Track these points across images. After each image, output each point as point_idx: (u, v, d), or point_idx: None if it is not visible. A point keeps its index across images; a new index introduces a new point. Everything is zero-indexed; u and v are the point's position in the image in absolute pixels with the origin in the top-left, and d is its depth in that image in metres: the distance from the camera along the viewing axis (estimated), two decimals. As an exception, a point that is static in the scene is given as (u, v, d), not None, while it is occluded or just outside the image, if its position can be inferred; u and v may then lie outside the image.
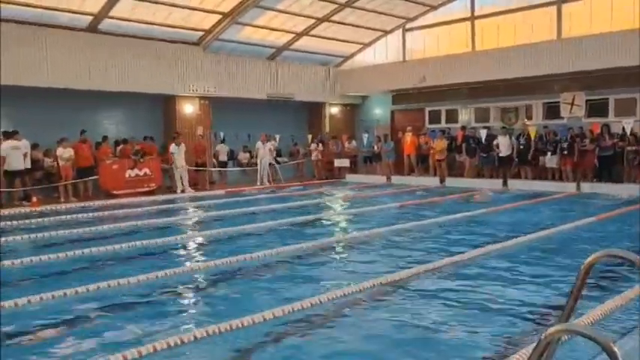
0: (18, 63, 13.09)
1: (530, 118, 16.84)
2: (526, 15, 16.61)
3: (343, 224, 9.96)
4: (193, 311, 5.10)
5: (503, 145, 15.62)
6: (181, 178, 15.13)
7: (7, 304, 4.89)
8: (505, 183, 15.32)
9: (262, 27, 17.14)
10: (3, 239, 8.30)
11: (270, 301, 4.98)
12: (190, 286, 5.88)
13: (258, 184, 16.76)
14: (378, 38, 19.88)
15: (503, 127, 16.54)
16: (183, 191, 14.98)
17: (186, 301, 5.43)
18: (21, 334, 4.39)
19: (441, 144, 16.81)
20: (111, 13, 14.12)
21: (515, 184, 15.02)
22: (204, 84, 16.72)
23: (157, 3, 14.34)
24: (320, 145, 19.08)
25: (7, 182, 12.40)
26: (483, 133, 16.14)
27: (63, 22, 13.94)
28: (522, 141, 15.40)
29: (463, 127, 17.24)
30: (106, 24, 14.49)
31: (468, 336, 4.22)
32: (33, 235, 8.64)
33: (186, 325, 4.52)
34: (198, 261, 7.06)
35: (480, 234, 8.38)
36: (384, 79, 19.17)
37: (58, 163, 13.48)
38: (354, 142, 19.83)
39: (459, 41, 18.16)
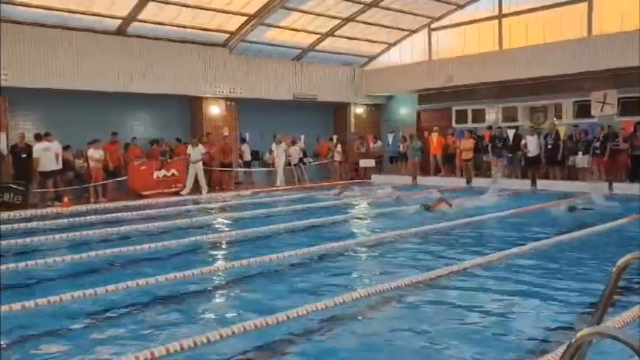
0: (49, 66, 13.41)
1: (559, 117, 16.53)
2: (555, 12, 16.30)
3: (367, 225, 9.92)
4: (219, 309, 5.13)
5: (532, 145, 15.37)
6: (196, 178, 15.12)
7: (44, 300, 5.00)
8: (534, 183, 15.06)
9: (288, 28, 17.21)
10: (36, 238, 8.52)
11: (300, 299, 5.02)
12: (218, 285, 5.94)
13: (278, 183, 16.78)
14: (403, 38, 19.77)
15: (532, 127, 16.27)
16: (201, 192, 15.01)
17: (213, 300, 5.48)
18: (54, 330, 4.48)
19: (467, 144, 16.62)
20: (139, 16, 14.36)
21: (544, 185, 14.75)
22: (230, 85, 16.87)
23: (183, 5, 14.52)
24: (338, 146, 19.05)
25: (40, 183, 12.71)
26: (510, 133, 15.91)
27: (92, 25, 14.22)
28: (551, 141, 15.12)
29: (490, 127, 17.02)
30: (134, 27, 14.74)
31: (495, 337, 4.16)
32: (64, 235, 8.83)
33: (213, 323, 4.56)
34: (225, 260, 7.11)
35: (510, 234, 8.27)
36: (409, 79, 19.05)
37: (88, 164, 13.77)
38: (379, 142, 19.76)
39: (486, 40, 17.93)
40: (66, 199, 12.61)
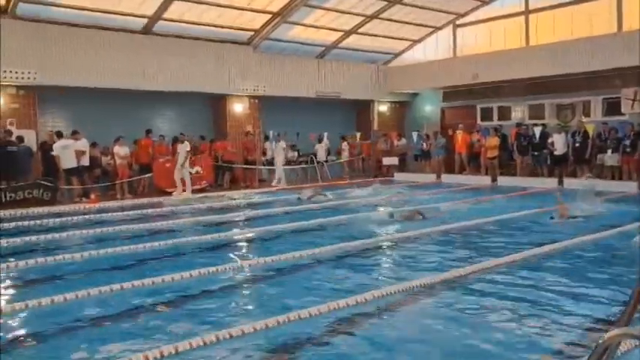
0: (77, 65, 13.65)
1: (587, 114, 16.19)
2: (584, 7, 15.96)
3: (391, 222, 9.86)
4: (242, 306, 5.15)
5: (559, 143, 15.09)
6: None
7: (72, 295, 5.11)
8: (561, 182, 14.79)
9: (311, 26, 17.21)
10: (65, 234, 8.69)
11: (328, 295, 5.04)
12: (241, 281, 5.98)
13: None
14: (428, 35, 19.59)
15: (559, 125, 15.97)
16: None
17: (236, 297, 5.51)
18: (82, 324, 4.57)
19: (492, 142, 16.40)
20: (164, 15, 14.53)
21: (572, 183, 14.46)
22: (253, 83, 16.94)
23: (208, 4, 14.64)
24: (344, 143, 19.05)
25: (65, 180, 12.94)
26: (537, 131, 15.64)
27: (119, 24, 14.43)
28: (579, 139, 14.82)
29: (516, 125, 16.75)
30: (159, 26, 14.91)
31: (522, 337, 4.10)
32: (92, 231, 8.99)
33: (234, 320, 4.58)
34: (248, 257, 7.15)
35: (539, 233, 8.13)
36: (434, 76, 18.88)
37: (114, 161, 13.99)
38: (403, 140, 19.63)
39: (512, 36, 17.67)
40: (93, 196, 12.83)
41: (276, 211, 11.12)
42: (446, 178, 17.19)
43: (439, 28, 19.29)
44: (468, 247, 7.47)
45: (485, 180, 16.20)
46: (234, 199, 13.23)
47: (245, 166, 16.38)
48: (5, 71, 12.75)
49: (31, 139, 13.29)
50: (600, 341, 1.89)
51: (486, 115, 18.58)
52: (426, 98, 20.62)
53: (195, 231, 9.01)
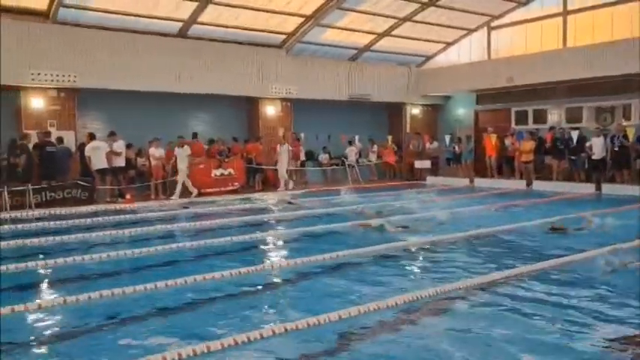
0: (115, 68, 13.98)
1: (627, 118, 15.72)
2: (624, 8, 15.54)
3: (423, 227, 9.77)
4: (269, 308, 5.17)
5: (597, 147, 14.68)
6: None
7: (107, 292, 5.26)
8: (598, 187, 14.40)
9: (344, 28, 17.23)
10: (100, 233, 8.91)
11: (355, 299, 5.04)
12: (269, 283, 6.02)
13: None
14: (462, 37, 19.39)
15: (597, 128, 15.56)
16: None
17: (265, 298, 5.54)
18: (117, 321, 4.68)
19: (527, 145, 16.08)
20: (199, 19, 14.76)
21: (610, 189, 14.08)
22: (286, 86, 17.04)
23: (242, 8, 14.81)
24: (374, 146, 18.95)
25: (99, 180, 13.24)
26: (574, 134, 15.28)
27: (155, 28, 14.72)
28: (618, 143, 14.40)
29: (552, 128, 16.39)
30: (194, 29, 15.15)
31: (554, 347, 4.01)
32: (127, 231, 9.19)
33: (264, 321, 4.61)
34: (277, 259, 7.18)
35: (576, 239, 7.94)
36: (467, 79, 18.65)
37: (150, 162, 14.26)
38: (435, 143, 19.45)
39: (549, 38, 17.32)
40: (128, 196, 13.10)
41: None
42: (479, 182, 16.93)
43: (473, 30, 19.06)
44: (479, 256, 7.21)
45: (519, 184, 15.90)
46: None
47: (276, 167, 16.44)
48: (47, 74, 13.15)
49: (70, 140, 13.68)
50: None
51: (521, 118, 18.24)
52: (459, 101, 20.38)
53: (226, 232, 9.09)
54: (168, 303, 5.15)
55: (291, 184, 16.02)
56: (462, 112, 20.30)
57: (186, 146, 13.99)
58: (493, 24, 18.73)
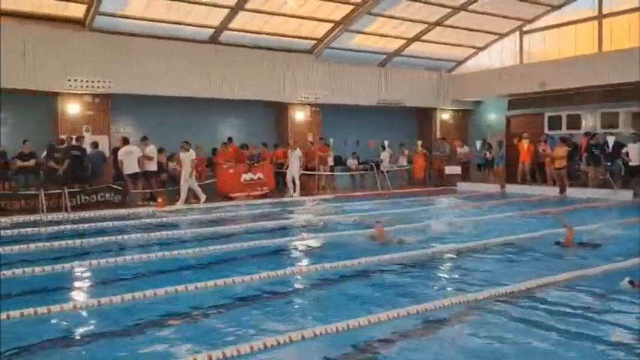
0: (148, 74, 14.25)
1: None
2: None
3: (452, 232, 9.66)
4: (302, 311, 5.18)
5: (634, 154, 14.29)
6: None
7: (139, 294, 5.36)
8: (636, 194, 14.00)
9: (373, 34, 17.21)
10: (133, 236, 9.07)
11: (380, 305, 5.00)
12: (298, 287, 6.03)
13: (290, 193, 15.40)
14: (493, 41, 19.15)
15: (635, 134, 15.14)
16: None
17: (295, 302, 5.55)
18: (151, 323, 4.75)
19: (560, 151, 15.75)
20: (230, 25, 14.94)
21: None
22: (315, 91, 17.10)
23: (271, 14, 14.94)
24: (407, 151, 18.76)
25: (131, 184, 13.48)
26: (610, 140, 14.90)
27: (187, 35, 14.96)
28: (656, 149, 13.99)
29: (587, 134, 16.02)
30: (225, 35, 15.34)
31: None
32: (153, 234, 9.33)
33: (297, 324, 4.62)
34: (307, 263, 7.19)
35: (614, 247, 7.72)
36: (499, 84, 18.40)
37: (180, 167, 14.44)
38: (466, 148, 19.22)
39: (583, 42, 16.98)
40: (160, 200, 13.30)
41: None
42: (511, 188, 16.64)
43: (505, 35, 18.82)
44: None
45: (552, 191, 15.57)
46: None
47: (306, 172, 16.49)
48: (82, 80, 13.49)
49: (104, 144, 13.99)
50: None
51: (554, 123, 17.89)
52: (490, 106, 20.12)
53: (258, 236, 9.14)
54: (200, 305, 5.18)
55: (297, 192, 15.46)
56: (493, 117, 20.03)
57: (191, 151, 13.67)
58: (525, 28, 18.46)
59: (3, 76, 12.41)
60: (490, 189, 16.88)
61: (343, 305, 5.18)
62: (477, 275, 6.29)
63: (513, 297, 5.32)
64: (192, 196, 13.91)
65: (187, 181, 13.54)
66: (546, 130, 17.83)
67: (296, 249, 8.24)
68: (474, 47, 19.40)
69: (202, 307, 5.12)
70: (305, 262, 7.34)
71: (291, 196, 15.18)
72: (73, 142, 13.07)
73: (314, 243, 8.64)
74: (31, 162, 12.81)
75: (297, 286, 6.12)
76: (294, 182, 15.54)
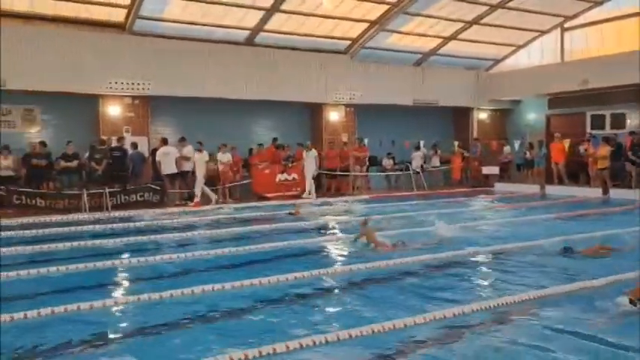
0: (186, 76, 14.51)
1: None
2: None
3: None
4: (339, 312, 5.17)
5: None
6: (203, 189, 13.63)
7: (177, 292, 5.45)
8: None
9: (409, 33, 17.07)
10: (171, 235, 9.24)
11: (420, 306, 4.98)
12: (342, 286, 6.03)
13: (306, 195, 14.99)
14: (532, 39, 18.73)
15: (682, 133, 14.58)
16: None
17: (336, 301, 5.55)
18: (184, 321, 4.81)
19: (603, 151, 15.25)
20: (265, 27, 15.06)
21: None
22: (350, 91, 17.07)
23: (307, 15, 14.99)
24: (439, 152, 18.48)
25: (169, 184, 13.72)
26: (657, 140, 14.37)
27: (223, 37, 15.16)
28: None
29: (631, 133, 15.49)
30: (260, 37, 15.48)
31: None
32: (196, 233, 9.48)
33: (332, 325, 4.62)
34: (345, 263, 7.17)
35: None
36: (539, 82, 17.98)
37: (217, 167, 14.65)
38: (505, 149, 18.85)
39: (627, 38, 16.39)
40: (197, 199, 13.49)
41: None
42: (551, 189, 16.23)
43: (545, 32, 18.38)
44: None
45: (595, 192, 15.10)
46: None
47: (339, 173, 16.48)
48: (123, 83, 13.83)
49: (143, 145, 14.30)
50: None
51: (597, 122, 17.37)
52: (529, 105, 19.69)
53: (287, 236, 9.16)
54: (239, 304, 5.24)
55: (312, 195, 15.02)
56: (533, 116, 19.60)
57: (205, 152, 13.71)
58: (567, 25, 17.98)
59: (48, 79, 12.89)
60: (529, 190, 16.50)
61: (381, 306, 5.15)
62: (507, 280, 6.17)
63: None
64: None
65: (200, 182, 13.50)
66: (588, 130, 17.33)
67: (328, 250, 8.21)
68: (512, 45, 19.02)
69: (243, 305, 5.18)
70: (340, 262, 7.31)
71: (306, 197, 14.74)
72: (114, 144, 13.45)
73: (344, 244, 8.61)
74: (74, 162, 13.20)
75: (330, 286, 6.11)
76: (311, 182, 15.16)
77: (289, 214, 11.65)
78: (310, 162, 15.15)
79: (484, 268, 6.92)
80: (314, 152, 15.26)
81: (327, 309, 5.23)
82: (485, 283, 6.14)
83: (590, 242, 7.71)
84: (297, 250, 7.93)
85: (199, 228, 10.14)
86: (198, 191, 13.52)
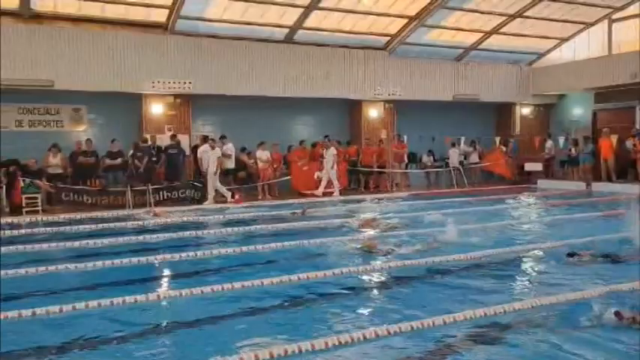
0: (226, 74, 14.71)
1: None
2: None
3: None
4: (375, 309, 5.16)
5: None
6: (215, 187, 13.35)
7: (218, 287, 5.54)
8: None
9: (449, 28, 16.81)
10: (211, 231, 9.39)
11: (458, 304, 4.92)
12: (378, 283, 6.01)
13: (321, 191, 14.72)
14: (578, 32, 18.15)
15: None
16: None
17: (370, 299, 5.54)
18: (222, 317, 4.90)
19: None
20: (304, 24, 15.11)
21: None
22: (389, 88, 16.95)
23: (345, 12, 14.96)
24: (479, 148, 18.10)
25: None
26: None
27: (263, 35, 15.29)
28: None
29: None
30: (299, 35, 15.54)
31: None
32: (235, 229, 9.61)
33: (367, 322, 4.62)
34: (380, 260, 7.14)
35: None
36: (585, 76, 17.42)
37: (257, 165, 14.81)
38: (548, 145, 18.34)
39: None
40: (237, 196, 13.69)
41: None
42: (597, 187, 15.71)
43: (591, 24, 17.77)
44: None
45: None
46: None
47: (378, 169, 16.38)
48: (165, 82, 14.14)
49: (185, 143, 14.58)
50: None
51: (647, 117, 16.71)
52: (574, 100, 19.11)
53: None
54: (273, 300, 5.29)
55: (336, 190, 14.79)
56: (578, 111, 19.00)
57: (217, 148, 13.46)
58: (615, 16, 17.34)
59: (94, 79, 13.30)
60: (574, 187, 16.02)
61: (419, 303, 5.12)
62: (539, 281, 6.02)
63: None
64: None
65: (212, 179, 13.23)
66: (638, 125, 16.68)
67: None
68: (557, 38, 18.48)
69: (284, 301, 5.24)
70: (381, 260, 7.27)
71: (317, 194, 14.52)
72: (158, 142, 13.79)
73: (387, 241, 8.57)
74: (119, 160, 13.57)
75: (369, 283, 6.10)
76: (326, 181, 14.89)
77: (293, 213, 11.30)
78: (329, 159, 14.77)
79: (526, 268, 6.78)
80: (333, 150, 14.86)
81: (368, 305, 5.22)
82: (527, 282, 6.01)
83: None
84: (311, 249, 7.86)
85: (238, 225, 10.26)
86: (211, 189, 13.24)
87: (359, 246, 7.66)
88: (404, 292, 5.65)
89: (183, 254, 7.34)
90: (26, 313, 4.69)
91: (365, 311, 5.08)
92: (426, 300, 5.27)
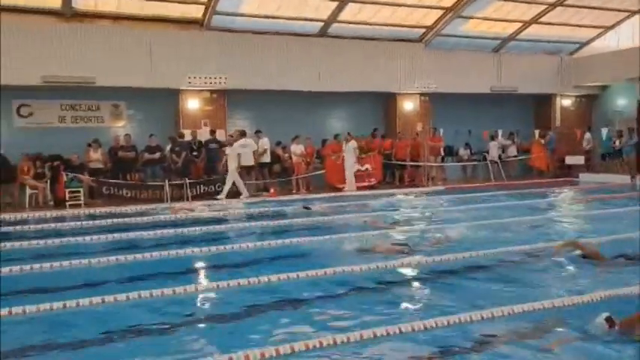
0: (260, 69, 14.78)
1: None
2: None
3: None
4: (409, 304, 5.12)
5: None
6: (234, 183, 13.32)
7: (255, 280, 5.59)
8: None
9: (486, 18, 16.47)
10: (247, 224, 9.48)
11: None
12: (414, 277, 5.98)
13: (347, 188, 14.54)
14: (622, 20, 17.52)
15: None
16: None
17: (401, 293, 5.49)
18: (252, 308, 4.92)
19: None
20: (339, 18, 15.05)
21: None
22: (424, 81, 16.74)
23: (380, 4, 14.83)
24: (517, 141, 17.67)
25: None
26: None
27: (297, 29, 15.31)
28: None
29: None
30: (333, 28, 15.48)
31: None
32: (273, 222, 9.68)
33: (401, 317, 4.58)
34: (416, 255, 7.07)
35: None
36: (629, 66, 16.77)
37: (291, 159, 14.86)
38: (589, 137, 17.80)
39: None
40: (272, 190, 13.79)
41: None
42: (642, 180, 15.18)
43: (637, 12, 17.12)
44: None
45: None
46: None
47: (412, 163, 16.21)
48: (201, 77, 14.32)
49: (221, 137, 14.75)
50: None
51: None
52: (618, 91, 18.48)
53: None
54: (304, 294, 5.28)
55: (352, 185, 14.62)
56: (622, 102, 18.37)
57: (235, 144, 13.51)
58: (662, 2, 16.68)
59: (133, 76, 13.57)
60: (618, 180, 15.51)
61: (449, 299, 5.06)
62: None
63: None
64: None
65: (232, 174, 13.26)
66: (686, 116, 16.04)
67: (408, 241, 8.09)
68: (600, 27, 17.89)
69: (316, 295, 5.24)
70: (417, 255, 7.20)
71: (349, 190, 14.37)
72: (197, 137, 14.04)
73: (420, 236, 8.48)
74: (157, 155, 13.83)
75: (404, 278, 6.05)
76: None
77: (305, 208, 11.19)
78: (350, 154, 14.63)
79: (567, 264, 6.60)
80: (353, 143, 14.69)
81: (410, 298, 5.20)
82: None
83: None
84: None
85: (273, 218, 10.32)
86: (228, 185, 13.20)
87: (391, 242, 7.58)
88: (440, 287, 5.58)
89: (221, 247, 7.43)
90: (70, 304, 4.83)
91: (403, 306, 5.03)
92: (468, 295, 5.18)
